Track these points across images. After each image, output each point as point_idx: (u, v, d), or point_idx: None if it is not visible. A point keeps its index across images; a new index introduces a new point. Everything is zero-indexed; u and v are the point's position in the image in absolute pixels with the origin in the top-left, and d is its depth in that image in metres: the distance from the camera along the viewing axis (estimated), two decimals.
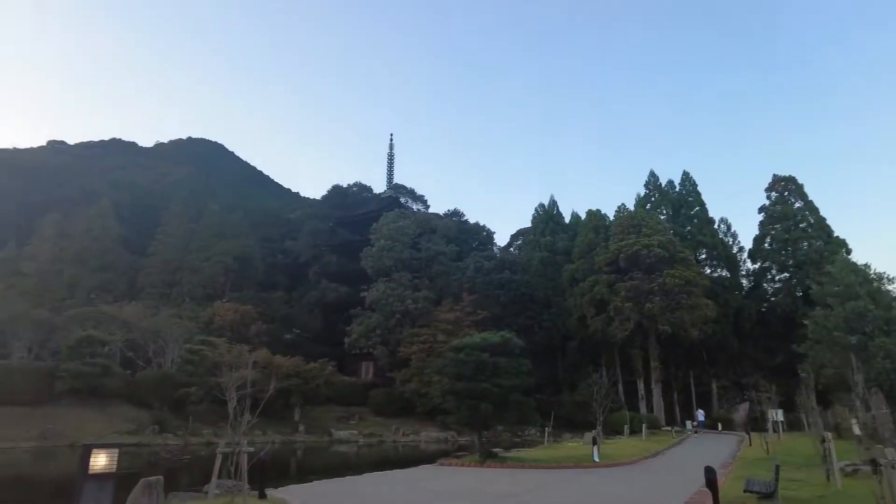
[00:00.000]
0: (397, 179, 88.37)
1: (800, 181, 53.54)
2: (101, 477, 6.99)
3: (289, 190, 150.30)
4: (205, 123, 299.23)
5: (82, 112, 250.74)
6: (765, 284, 54.61)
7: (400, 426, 43.71)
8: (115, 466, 7.13)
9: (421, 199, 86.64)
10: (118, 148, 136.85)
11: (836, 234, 50.73)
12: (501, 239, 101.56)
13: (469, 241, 75.14)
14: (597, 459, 19.25)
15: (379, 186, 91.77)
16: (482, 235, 79.53)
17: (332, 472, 18.64)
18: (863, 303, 32.38)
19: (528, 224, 69.74)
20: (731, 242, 58.96)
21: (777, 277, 53.35)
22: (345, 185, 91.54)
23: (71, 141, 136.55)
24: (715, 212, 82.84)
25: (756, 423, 37.34)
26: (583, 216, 61.32)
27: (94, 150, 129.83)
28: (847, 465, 13.97)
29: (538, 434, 36.89)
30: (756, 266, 55.48)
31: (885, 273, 36.25)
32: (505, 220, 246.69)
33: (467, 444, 34.36)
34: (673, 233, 51.88)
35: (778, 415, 31.53)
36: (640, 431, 32.85)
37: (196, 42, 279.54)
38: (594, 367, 46.01)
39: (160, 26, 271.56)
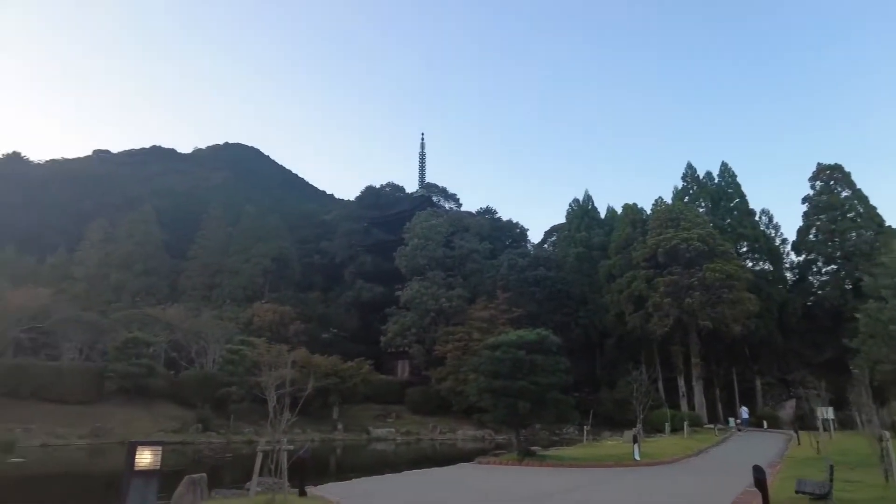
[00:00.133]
0: (429, 178, 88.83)
1: (846, 169, 51.51)
2: (146, 473, 7.17)
3: (323, 192, 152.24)
4: (241, 128, 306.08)
5: (124, 120, 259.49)
6: (810, 277, 52.69)
7: (437, 424, 43.82)
8: (159, 463, 7.31)
9: (453, 198, 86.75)
10: (158, 155, 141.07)
11: (888, 224, 48.64)
12: (535, 236, 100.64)
13: (502, 238, 74.85)
14: (638, 458, 18.83)
15: (411, 186, 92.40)
16: (515, 232, 79.13)
17: (371, 470, 18.72)
18: None
19: (563, 220, 69.05)
20: (773, 234, 57.15)
21: (824, 270, 51.38)
22: (377, 186, 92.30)
23: (114, 149, 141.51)
24: (755, 203, 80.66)
25: (804, 421, 36.09)
26: (619, 210, 60.22)
27: (136, 158, 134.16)
28: None
29: (577, 432, 36.46)
30: (801, 258, 53.62)
31: None
32: (538, 217, 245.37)
33: (504, 443, 34.24)
34: (712, 225, 50.47)
35: (828, 412, 30.21)
36: (682, 429, 32.07)
37: (230, 49, 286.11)
38: (633, 365, 45.05)
39: (196, 35, 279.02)
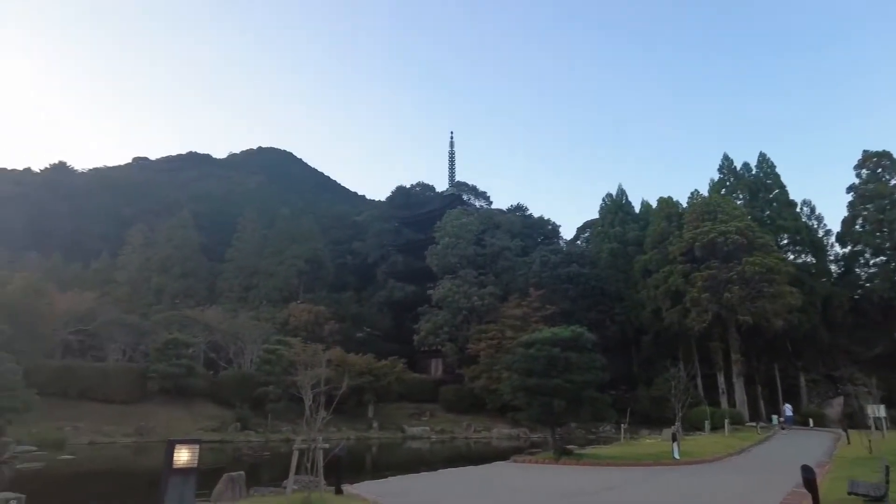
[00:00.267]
0: (458, 177, 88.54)
1: (895, 156, 49.35)
2: (184, 471, 7.29)
3: (355, 193, 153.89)
4: (274, 133, 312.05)
5: (161, 126, 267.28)
6: (857, 269, 50.73)
7: (471, 422, 43.74)
8: (196, 461, 7.41)
9: (483, 196, 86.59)
10: (195, 161, 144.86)
11: None
12: (567, 232, 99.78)
13: (534, 235, 74.28)
14: (677, 457, 18.38)
15: (441, 185, 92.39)
16: (547, 229, 78.41)
17: (406, 469, 18.76)
18: None
19: (596, 216, 67.95)
20: (815, 226, 54.96)
21: (871, 261, 49.38)
22: (408, 186, 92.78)
23: (152, 156, 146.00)
24: (796, 194, 78.03)
25: (853, 420, 34.70)
26: (653, 204, 58.92)
27: (173, 164, 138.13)
28: None
29: (613, 431, 35.89)
30: (846, 250, 51.66)
31: None
32: (570, 213, 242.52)
33: (540, 441, 33.93)
34: (751, 218, 48.87)
35: (879, 410, 28.82)
36: (722, 427, 31.25)
37: (262, 56, 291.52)
38: (671, 361, 44.12)
39: (229, 43, 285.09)
